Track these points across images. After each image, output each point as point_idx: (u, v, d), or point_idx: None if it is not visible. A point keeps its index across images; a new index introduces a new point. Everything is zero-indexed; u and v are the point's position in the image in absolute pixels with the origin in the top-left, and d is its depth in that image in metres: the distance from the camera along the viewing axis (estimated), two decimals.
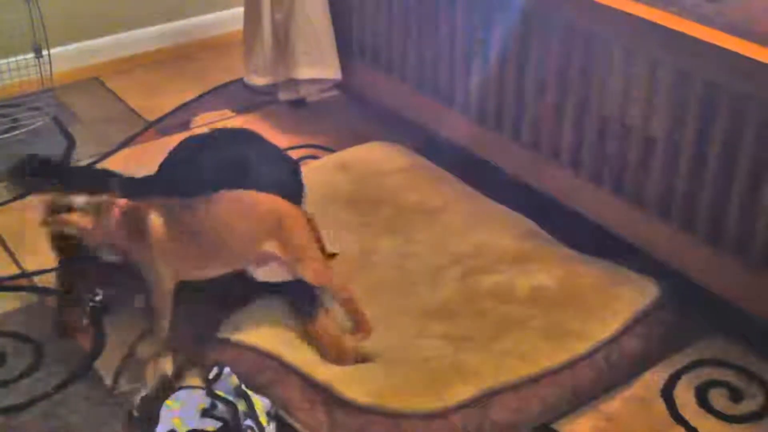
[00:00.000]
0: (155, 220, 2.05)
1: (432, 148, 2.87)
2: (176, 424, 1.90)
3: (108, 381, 2.10)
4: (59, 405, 2.04)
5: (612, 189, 2.35)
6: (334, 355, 2.08)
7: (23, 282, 2.41)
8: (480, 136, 2.69)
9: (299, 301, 2.16)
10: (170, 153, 2.43)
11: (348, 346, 2.10)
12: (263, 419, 1.92)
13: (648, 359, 2.16)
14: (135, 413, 1.99)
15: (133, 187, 2.33)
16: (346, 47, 3.08)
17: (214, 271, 2.12)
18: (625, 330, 2.13)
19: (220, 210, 2.08)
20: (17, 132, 3.03)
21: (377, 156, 2.83)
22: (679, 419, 2.04)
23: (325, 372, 2.01)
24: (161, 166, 2.41)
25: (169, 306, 2.09)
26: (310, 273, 2.10)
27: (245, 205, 2.11)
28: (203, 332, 2.17)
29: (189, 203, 2.09)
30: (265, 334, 2.12)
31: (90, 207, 2.04)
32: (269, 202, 2.11)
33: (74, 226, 2.05)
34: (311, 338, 2.11)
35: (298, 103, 3.26)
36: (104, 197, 2.07)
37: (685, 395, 2.09)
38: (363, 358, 2.09)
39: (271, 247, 2.07)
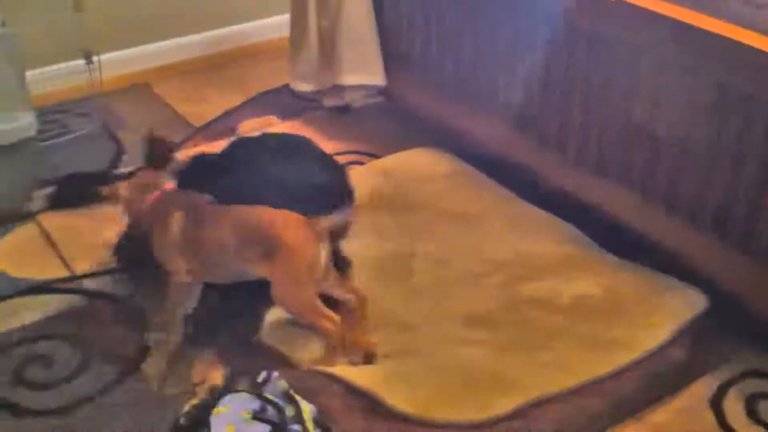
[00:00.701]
0: (177, 218, 2.13)
1: (473, 154, 2.86)
2: (231, 431, 1.91)
3: (154, 383, 2.12)
4: (105, 408, 2.06)
5: (653, 197, 2.33)
6: (349, 346, 2.09)
7: (73, 285, 2.45)
8: (520, 143, 2.68)
9: None
10: (222, 154, 2.46)
11: (365, 340, 2.11)
12: (310, 425, 1.92)
13: (695, 370, 2.14)
14: (182, 421, 2.01)
15: (190, 174, 2.38)
16: (390, 54, 3.09)
17: (217, 278, 2.19)
18: (671, 341, 2.11)
19: (224, 226, 2.12)
20: (67, 137, 3.08)
21: (419, 162, 2.84)
22: (729, 430, 2.01)
23: (366, 378, 2.01)
24: (216, 161, 2.44)
25: (183, 300, 2.14)
26: (282, 298, 2.10)
27: (246, 227, 2.12)
28: (245, 339, 2.20)
29: (212, 210, 2.15)
30: (304, 342, 2.14)
31: (138, 184, 2.17)
32: (271, 226, 2.10)
33: (121, 198, 2.16)
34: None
35: (343, 110, 3.27)
36: (155, 178, 2.18)
37: (734, 406, 2.06)
38: (370, 357, 2.09)
39: (261, 271, 2.09)
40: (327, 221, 2.12)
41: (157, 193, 2.18)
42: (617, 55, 2.30)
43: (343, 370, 2.04)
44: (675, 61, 2.16)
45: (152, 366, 2.14)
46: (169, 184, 2.23)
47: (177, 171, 2.37)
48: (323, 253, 2.08)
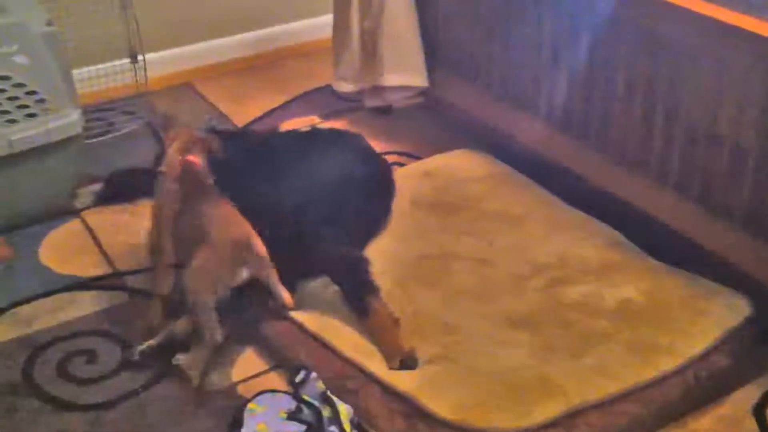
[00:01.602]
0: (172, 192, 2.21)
1: (515, 155, 2.85)
2: (261, 429, 1.92)
3: (195, 380, 2.14)
4: (146, 404, 2.08)
5: (699, 200, 2.30)
6: (386, 350, 2.08)
7: (115, 282, 2.48)
8: (563, 145, 2.66)
9: (348, 292, 2.21)
10: (270, 138, 2.52)
11: (401, 344, 2.10)
12: (347, 426, 1.92)
13: (738, 377, 2.11)
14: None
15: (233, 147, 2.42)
16: (431, 55, 3.08)
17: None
18: (715, 347, 2.08)
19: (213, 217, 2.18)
20: (112, 135, 3.12)
21: (461, 163, 2.83)
22: None
23: (406, 381, 2.01)
24: (260, 147, 2.49)
25: (199, 290, 2.15)
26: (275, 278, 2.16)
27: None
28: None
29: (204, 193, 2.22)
30: (351, 341, 2.13)
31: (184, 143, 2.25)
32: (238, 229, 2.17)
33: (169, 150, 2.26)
34: (367, 332, 2.14)
35: (384, 110, 3.28)
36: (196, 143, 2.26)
37: None
38: (411, 362, 2.07)
39: (246, 273, 2.14)
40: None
41: (190, 160, 2.23)
42: (664, 53, 2.27)
43: (382, 371, 2.04)
44: (730, 61, 2.13)
45: (192, 362, 2.16)
46: (196, 158, 2.26)
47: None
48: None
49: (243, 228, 2.17)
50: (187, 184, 2.22)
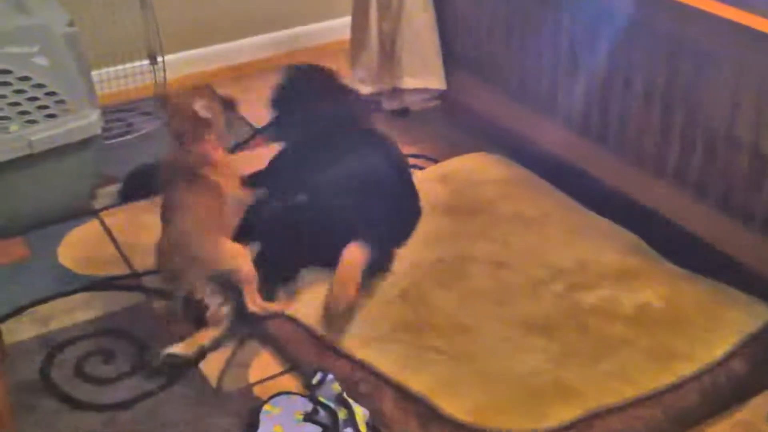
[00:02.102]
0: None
1: (533, 158, 2.84)
2: (277, 431, 1.92)
3: (212, 381, 2.14)
4: (163, 404, 2.09)
5: (718, 204, 2.28)
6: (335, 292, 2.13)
7: (132, 282, 2.49)
8: (581, 148, 2.65)
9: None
10: (309, 134, 2.54)
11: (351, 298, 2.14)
12: (363, 428, 1.92)
13: (757, 384, 2.09)
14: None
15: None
16: (449, 58, 3.08)
17: None
18: (734, 353, 2.07)
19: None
20: (131, 136, 3.13)
21: (477, 166, 2.83)
22: None
23: (420, 382, 2.00)
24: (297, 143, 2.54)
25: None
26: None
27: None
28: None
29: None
30: (363, 340, 2.13)
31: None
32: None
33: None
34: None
35: (402, 113, 3.27)
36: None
37: None
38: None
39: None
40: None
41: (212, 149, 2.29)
42: (683, 56, 2.26)
43: (394, 372, 2.04)
44: (749, 64, 2.12)
45: (210, 363, 2.16)
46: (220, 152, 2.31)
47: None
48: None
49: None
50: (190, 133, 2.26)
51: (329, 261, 2.23)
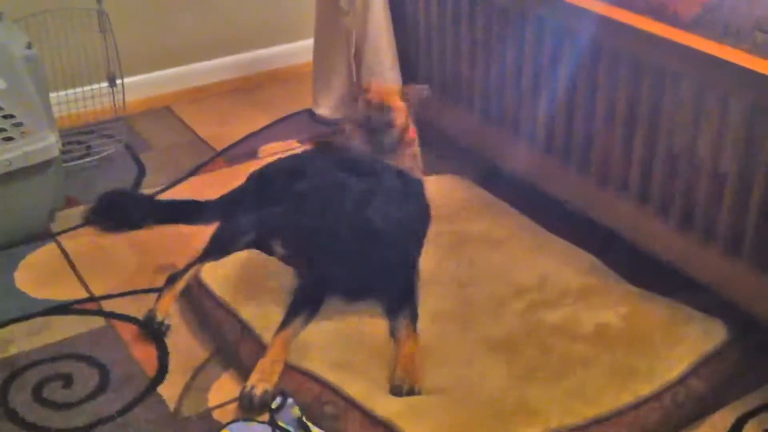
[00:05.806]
0: None
1: (496, 178, 2.87)
2: None
3: (171, 405, 2.12)
4: (121, 429, 2.06)
5: (678, 225, 2.32)
6: (400, 375, 2.08)
7: (91, 306, 2.46)
8: (545, 168, 2.68)
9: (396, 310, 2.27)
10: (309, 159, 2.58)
11: (419, 373, 2.09)
12: None
13: (715, 401, 2.11)
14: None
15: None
16: (412, 78, 3.10)
17: None
18: (692, 371, 2.09)
19: None
20: (90, 158, 3.11)
21: (439, 188, 2.83)
22: None
23: (385, 407, 1.99)
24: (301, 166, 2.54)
25: None
26: None
27: None
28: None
29: None
30: (330, 360, 2.13)
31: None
32: None
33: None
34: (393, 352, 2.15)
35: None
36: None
37: None
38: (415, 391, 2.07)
39: None
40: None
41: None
42: (645, 78, 2.29)
43: (362, 395, 2.03)
44: (709, 88, 2.16)
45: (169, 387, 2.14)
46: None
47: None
48: None
49: None
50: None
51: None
